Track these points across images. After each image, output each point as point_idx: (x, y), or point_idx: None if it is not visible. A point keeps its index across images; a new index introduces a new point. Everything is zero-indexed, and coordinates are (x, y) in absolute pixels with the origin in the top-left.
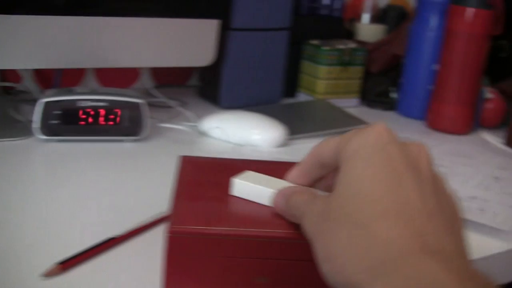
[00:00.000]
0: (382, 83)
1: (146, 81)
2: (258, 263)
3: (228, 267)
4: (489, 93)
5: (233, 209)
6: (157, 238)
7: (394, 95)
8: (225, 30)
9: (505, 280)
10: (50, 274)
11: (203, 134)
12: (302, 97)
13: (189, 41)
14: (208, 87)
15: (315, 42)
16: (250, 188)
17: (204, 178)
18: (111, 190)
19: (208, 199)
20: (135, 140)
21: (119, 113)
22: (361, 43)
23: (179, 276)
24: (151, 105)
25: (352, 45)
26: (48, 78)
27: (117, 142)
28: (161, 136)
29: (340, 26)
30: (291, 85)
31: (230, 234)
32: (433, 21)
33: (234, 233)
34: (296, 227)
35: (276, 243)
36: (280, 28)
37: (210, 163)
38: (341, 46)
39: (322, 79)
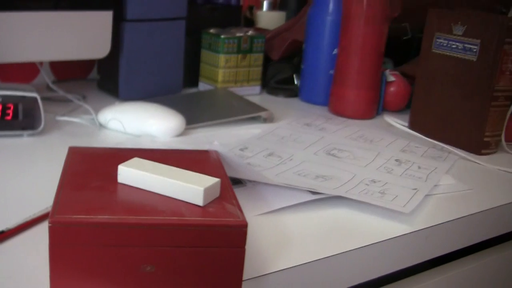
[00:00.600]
0: (283, 70)
1: (46, 76)
2: (143, 252)
3: (113, 256)
4: (391, 76)
5: (118, 197)
6: (46, 231)
7: (296, 81)
8: (119, 22)
9: (407, 263)
10: None
11: (101, 126)
12: (203, 86)
13: (85, 34)
14: (107, 80)
15: (213, 30)
16: (136, 175)
17: (91, 168)
18: (4, 184)
19: (93, 189)
20: (32, 134)
21: (13, 107)
22: (261, 30)
23: (64, 267)
24: (50, 99)
25: (251, 32)
26: None
27: (15, 137)
28: (59, 130)
29: (238, 14)
30: (192, 75)
31: (111, 222)
32: (331, 5)
33: (116, 222)
34: (181, 213)
35: (160, 231)
36: (176, 17)
37: (99, 153)
38: (240, 34)
39: (221, 67)
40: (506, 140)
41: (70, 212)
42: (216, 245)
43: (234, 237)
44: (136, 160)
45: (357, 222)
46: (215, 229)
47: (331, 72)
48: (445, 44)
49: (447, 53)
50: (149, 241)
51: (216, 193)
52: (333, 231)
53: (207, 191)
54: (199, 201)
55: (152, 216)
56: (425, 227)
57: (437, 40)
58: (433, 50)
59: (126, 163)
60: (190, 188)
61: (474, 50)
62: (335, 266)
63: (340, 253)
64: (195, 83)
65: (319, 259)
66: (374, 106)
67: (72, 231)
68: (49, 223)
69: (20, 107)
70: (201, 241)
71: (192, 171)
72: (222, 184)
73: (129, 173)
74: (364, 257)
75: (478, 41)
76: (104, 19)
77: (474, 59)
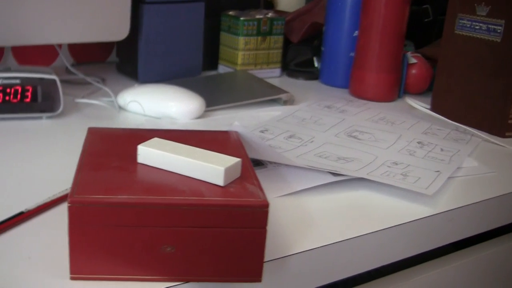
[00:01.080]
0: (303, 52)
1: (64, 59)
2: (163, 232)
3: (133, 236)
4: (413, 59)
5: (137, 177)
6: (66, 212)
7: (316, 64)
8: (138, 4)
9: (430, 246)
10: None
11: (120, 109)
12: (223, 69)
13: (104, 16)
14: (126, 62)
15: (232, 13)
16: (156, 155)
17: (110, 149)
18: (24, 166)
19: (112, 169)
20: (51, 117)
21: (32, 90)
22: (281, 12)
23: (83, 248)
24: (69, 82)
25: (270, 14)
26: None
27: (35, 120)
28: (79, 112)
29: None
30: (212, 58)
31: (131, 202)
32: None
33: (135, 201)
34: (201, 193)
35: (180, 211)
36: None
37: (118, 134)
38: (259, 16)
39: (241, 50)
40: None
41: (90, 192)
42: (237, 225)
43: (255, 217)
44: (156, 140)
45: (379, 204)
46: (236, 209)
47: (352, 54)
48: (468, 25)
49: (470, 34)
50: (169, 221)
51: (237, 173)
52: (354, 213)
53: (227, 171)
54: (220, 181)
55: (172, 196)
56: (448, 209)
57: (460, 21)
58: (456, 32)
59: (145, 143)
60: (210, 168)
61: (499, 31)
62: (357, 248)
63: (362, 235)
64: (214, 66)
65: (341, 241)
66: (395, 89)
67: (92, 211)
68: (69, 203)
69: (39, 89)
70: (221, 221)
71: (213, 151)
72: (243, 164)
73: (149, 153)
74: (386, 239)
75: (503, 21)
76: (123, 1)
77: (499, 40)
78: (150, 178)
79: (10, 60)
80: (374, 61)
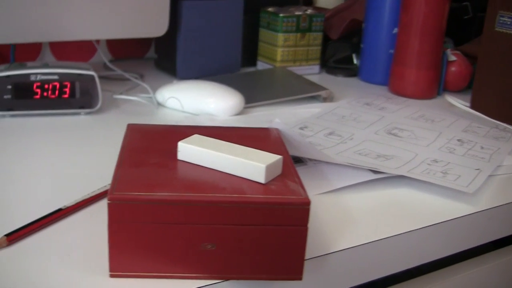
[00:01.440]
0: (342, 49)
1: (103, 55)
2: (204, 229)
3: (173, 234)
4: (452, 56)
5: (178, 174)
6: (105, 208)
7: (355, 61)
8: (177, 0)
9: (470, 244)
10: None
11: (159, 105)
12: (261, 65)
13: (142, 12)
14: (165, 58)
15: (271, 9)
16: (196, 151)
17: (150, 145)
18: (63, 163)
19: (152, 165)
20: (89, 113)
21: (71, 86)
22: (320, 9)
23: (123, 245)
24: (107, 78)
25: (309, 11)
26: (2, 55)
27: (73, 115)
28: (117, 108)
29: None
30: (250, 54)
31: (171, 199)
32: None
33: (176, 199)
34: (242, 191)
35: (221, 208)
36: None
37: (158, 130)
38: (299, 13)
39: (280, 46)
40: None
41: (129, 189)
42: (278, 223)
43: (297, 215)
44: (196, 137)
45: (419, 202)
46: (277, 206)
47: (391, 51)
48: (509, 23)
49: (511, 32)
50: (210, 218)
51: (278, 171)
52: (394, 211)
53: (269, 168)
54: (261, 179)
55: (213, 193)
56: (488, 207)
57: (501, 18)
58: (496, 29)
59: (186, 139)
60: (251, 165)
61: None
62: (397, 246)
63: (402, 233)
64: (253, 62)
65: (381, 239)
66: (435, 86)
67: (131, 208)
68: (108, 200)
69: (77, 85)
70: (262, 219)
71: (253, 148)
72: (284, 161)
73: (189, 150)
74: (427, 237)
75: None
76: None
77: None
78: (190, 175)
79: (48, 56)
80: (413, 58)
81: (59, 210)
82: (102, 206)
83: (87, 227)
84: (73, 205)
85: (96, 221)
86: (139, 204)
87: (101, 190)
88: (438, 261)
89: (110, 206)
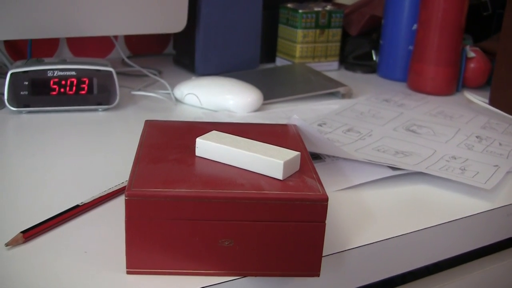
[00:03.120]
0: (362, 45)
1: (121, 51)
2: (222, 226)
3: (190, 230)
4: (471, 52)
5: (196, 170)
6: (123, 205)
7: (374, 57)
8: None
9: (488, 241)
10: (14, 243)
11: (177, 101)
12: (280, 62)
13: (161, 8)
14: (183, 55)
15: (290, 5)
16: (214, 147)
17: (168, 141)
18: (80, 159)
19: (170, 162)
20: (107, 109)
21: (88, 82)
22: (339, 5)
23: (140, 241)
24: (125, 74)
25: (329, 7)
26: (20, 51)
27: (90, 112)
28: (135, 105)
29: None
30: (269, 51)
31: (189, 195)
32: None
33: (194, 195)
34: (260, 187)
35: (239, 204)
36: None
37: (176, 127)
38: (318, 9)
39: (299, 43)
40: None
41: (147, 185)
42: (296, 219)
43: (315, 211)
44: (214, 133)
45: (438, 198)
46: (295, 203)
47: (411, 47)
48: None
49: None
50: (228, 215)
51: (296, 167)
52: (413, 208)
53: (287, 164)
54: (279, 175)
55: (231, 189)
56: (507, 204)
57: None
58: None
59: (204, 136)
60: (269, 161)
61: None
62: (415, 243)
63: (421, 229)
64: (272, 59)
65: (399, 236)
66: (453, 83)
67: (149, 204)
68: (126, 196)
69: (95, 82)
70: (280, 215)
71: (271, 145)
72: (302, 157)
73: (207, 146)
74: (445, 233)
75: None
76: None
77: None
78: (208, 171)
79: (66, 51)
80: (433, 54)
81: (76, 206)
82: (119, 203)
83: (104, 224)
84: (90, 202)
85: (113, 217)
86: (156, 200)
87: (119, 187)
88: (456, 257)
89: (127, 203)
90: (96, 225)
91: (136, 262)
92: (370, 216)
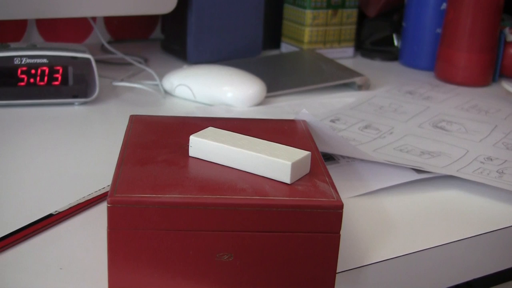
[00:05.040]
0: (381, 28)
1: (100, 35)
2: (220, 237)
3: (183, 242)
4: (511, 36)
5: (189, 173)
6: (104, 214)
7: (396, 42)
8: None
9: None
10: None
11: (166, 94)
12: (286, 48)
13: None
14: (173, 40)
15: None
16: (211, 147)
17: (157, 140)
18: (55, 161)
19: (159, 163)
20: (85, 103)
21: (62, 71)
22: None
23: (124, 255)
24: (105, 62)
25: None
26: None
27: (65, 106)
28: (117, 98)
29: None
30: (273, 35)
31: (182, 202)
32: None
33: (187, 201)
34: (265, 192)
35: (240, 212)
36: None
37: (166, 123)
38: None
39: (308, 25)
40: None
41: (133, 190)
42: (306, 229)
43: (328, 220)
44: (210, 130)
45: (470, 206)
46: (305, 210)
47: (438, 31)
48: None
49: None
50: (227, 224)
51: (306, 169)
52: (441, 217)
53: (295, 166)
54: (286, 178)
55: (230, 195)
56: None
57: None
58: None
59: (199, 133)
60: (275, 162)
61: None
62: (444, 258)
63: (451, 242)
64: (276, 44)
65: (425, 249)
66: (489, 71)
67: (135, 213)
68: (108, 203)
69: (70, 71)
70: (288, 224)
71: (277, 143)
72: (312, 158)
73: (203, 145)
74: (480, 247)
75: None
76: None
77: None
78: (204, 174)
79: (35, 36)
80: (465, 38)
81: (50, 215)
82: (100, 211)
83: (83, 236)
84: (66, 210)
85: (93, 228)
86: (143, 208)
87: (100, 193)
88: (492, 276)
89: (110, 210)
90: (73, 237)
91: (120, 280)
92: (392, 226)
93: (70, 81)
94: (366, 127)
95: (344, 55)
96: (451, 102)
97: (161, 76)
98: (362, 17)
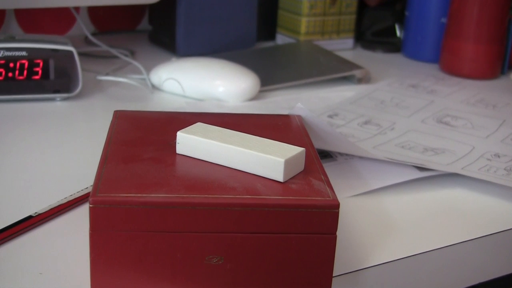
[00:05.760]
0: (382, 18)
1: (84, 26)
2: (209, 239)
3: (170, 245)
4: None
5: (176, 171)
6: (87, 215)
7: (398, 33)
8: None
9: None
10: None
11: (154, 88)
12: (282, 39)
13: None
14: (161, 31)
15: None
16: (199, 143)
17: (142, 136)
18: (34, 159)
19: (145, 161)
20: (67, 98)
21: (43, 64)
22: None
23: (108, 258)
24: (89, 55)
25: None
26: None
27: (46, 101)
28: (101, 93)
29: None
30: (268, 25)
31: (169, 202)
32: None
33: (175, 201)
34: (256, 191)
35: (230, 212)
36: None
37: (152, 118)
38: None
39: (305, 15)
40: None
41: (116, 190)
42: (300, 230)
43: (323, 220)
44: (199, 125)
45: (477, 206)
46: (299, 210)
47: (443, 20)
48: None
49: None
50: (216, 225)
51: (300, 166)
52: (445, 217)
53: (288, 163)
54: (279, 176)
55: (220, 194)
56: None
57: None
58: None
59: (187, 129)
60: (267, 159)
61: None
62: (448, 261)
63: (455, 244)
64: (271, 35)
65: (428, 252)
66: (497, 63)
67: (119, 213)
68: (91, 203)
69: (51, 64)
70: (281, 225)
71: (270, 139)
72: (307, 155)
73: (191, 141)
74: (486, 249)
75: None
76: None
77: None
78: (192, 172)
79: (14, 27)
80: (471, 28)
81: (29, 217)
82: (82, 212)
83: (64, 239)
84: (46, 212)
85: (75, 230)
86: (128, 208)
87: (82, 193)
88: (498, 279)
89: (92, 211)
90: (53, 241)
91: (103, 286)
92: (392, 227)
93: (51, 75)
94: (366, 122)
95: (343, 46)
96: (456, 96)
97: (149, 69)
98: (362, 6)
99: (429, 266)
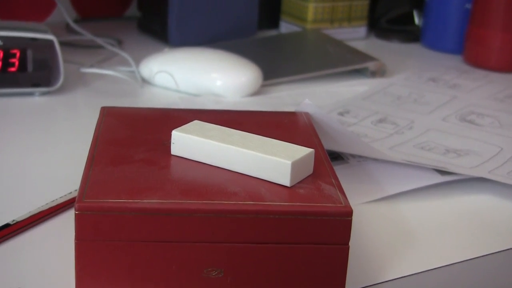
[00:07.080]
0: (399, 4)
1: (65, 13)
2: (208, 249)
3: (165, 256)
4: None
5: (171, 174)
6: (71, 223)
7: (417, 20)
8: None
9: None
10: None
11: (144, 82)
12: (286, 27)
13: None
14: (152, 18)
15: None
16: (196, 143)
17: (133, 135)
18: (12, 162)
19: (136, 162)
20: (47, 93)
21: (20, 55)
22: None
23: (95, 270)
24: (72, 45)
25: None
26: None
27: (24, 96)
28: (86, 87)
29: None
30: (271, 12)
31: (163, 208)
32: None
33: (169, 207)
34: (260, 196)
35: (231, 220)
36: None
37: (143, 116)
38: None
39: (312, 1)
40: None
41: (105, 195)
42: (309, 240)
43: (334, 229)
44: (196, 123)
45: (505, 214)
46: (308, 218)
47: (468, 6)
48: None
49: None
50: (216, 234)
51: (309, 170)
52: (470, 227)
53: (296, 165)
54: (285, 180)
55: (220, 200)
56: None
57: None
58: None
59: (182, 127)
60: (272, 161)
61: None
62: (473, 275)
63: (481, 256)
64: (275, 23)
65: (451, 265)
66: None
67: (108, 221)
68: (76, 209)
69: (30, 55)
70: (287, 235)
71: (275, 139)
72: (317, 157)
73: (187, 141)
74: None
75: None
76: None
77: None
78: (189, 175)
79: None
80: (499, 15)
81: (7, 225)
82: (67, 219)
83: (46, 249)
84: (26, 219)
85: (58, 240)
86: (117, 215)
87: (66, 198)
88: None
89: (78, 218)
90: (34, 251)
91: None
92: (411, 237)
93: (29, 67)
94: (380, 121)
95: (356, 35)
96: (482, 90)
97: (138, 61)
98: None
99: (452, 281)
